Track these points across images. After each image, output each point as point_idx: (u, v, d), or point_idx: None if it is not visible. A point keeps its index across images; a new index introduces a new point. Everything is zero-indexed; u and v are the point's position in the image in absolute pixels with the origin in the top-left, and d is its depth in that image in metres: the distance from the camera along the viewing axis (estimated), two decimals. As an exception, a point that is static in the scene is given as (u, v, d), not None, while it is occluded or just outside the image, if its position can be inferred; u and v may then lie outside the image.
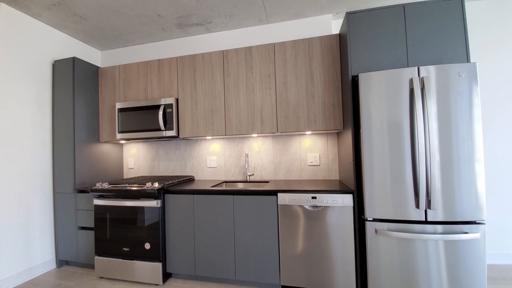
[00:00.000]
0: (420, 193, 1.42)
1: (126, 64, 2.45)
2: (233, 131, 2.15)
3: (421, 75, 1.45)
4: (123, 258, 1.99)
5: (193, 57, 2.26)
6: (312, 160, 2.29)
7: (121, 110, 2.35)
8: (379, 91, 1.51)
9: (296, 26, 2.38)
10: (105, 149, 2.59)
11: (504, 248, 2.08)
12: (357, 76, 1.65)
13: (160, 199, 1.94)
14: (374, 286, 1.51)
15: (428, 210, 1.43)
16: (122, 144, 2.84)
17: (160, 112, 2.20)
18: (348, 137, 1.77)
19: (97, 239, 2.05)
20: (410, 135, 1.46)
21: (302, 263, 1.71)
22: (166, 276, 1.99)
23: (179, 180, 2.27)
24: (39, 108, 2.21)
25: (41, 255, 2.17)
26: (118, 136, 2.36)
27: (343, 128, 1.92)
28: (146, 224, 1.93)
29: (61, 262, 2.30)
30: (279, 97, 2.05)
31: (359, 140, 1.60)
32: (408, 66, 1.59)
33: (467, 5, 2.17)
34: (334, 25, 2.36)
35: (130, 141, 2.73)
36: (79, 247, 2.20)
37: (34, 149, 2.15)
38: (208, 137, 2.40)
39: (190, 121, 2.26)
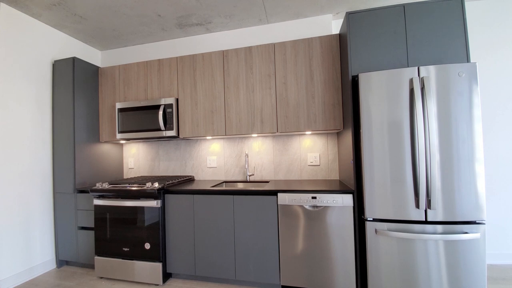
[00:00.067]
0: (420, 193, 1.42)
1: (126, 64, 2.45)
2: (233, 131, 2.15)
3: (421, 75, 1.45)
4: (123, 258, 1.99)
5: (193, 57, 2.26)
6: (312, 160, 2.29)
7: (121, 110, 2.35)
8: (379, 91, 1.51)
9: (296, 26, 2.38)
10: (105, 149, 2.59)
11: (504, 248, 2.08)
12: (357, 76, 1.65)
13: (160, 199, 1.94)
14: (374, 286, 1.51)
15: (428, 210, 1.43)
16: (122, 144, 2.84)
17: (160, 112, 2.20)
18: (348, 137, 1.77)
19: (97, 239, 2.05)
20: (410, 135, 1.46)
21: (302, 263, 1.71)
22: (166, 276, 1.99)
23: (179, 180, 2.27)
24: (39, 108, 2.21)
25: (41, 255, 2.17)
26: (118, 136, 2.36)
27: (343, 128, 1.92)
28: (146, 224, 1.93)
29: (61, 262, 2.30)
30: (279, 97, 2.05)
31: (359, 140, 1.60)
32: (408, 66, 1.59)
33: (467, 5, 2.17)
34: (334, 25, 2.36)
35: (130, 141, 2.73)
36: (79, 247, 2.20)
37: (34, 149, 2.15)
38: (208, 137, 2.40)
39: (190, 121, 2.26)
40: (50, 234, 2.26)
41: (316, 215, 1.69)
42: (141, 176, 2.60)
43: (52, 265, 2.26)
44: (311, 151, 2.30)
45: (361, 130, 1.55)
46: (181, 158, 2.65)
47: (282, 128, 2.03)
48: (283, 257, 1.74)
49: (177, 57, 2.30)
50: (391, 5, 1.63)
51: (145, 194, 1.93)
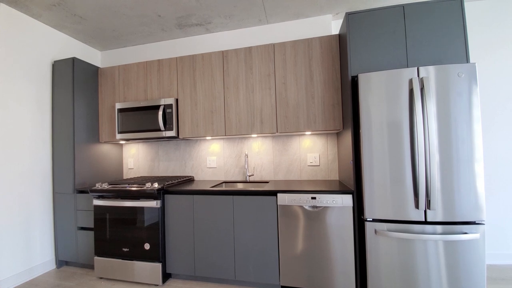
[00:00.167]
0: (420, 193, 1.43)
1: (126, 65, 2.45)
2: (233, 131, 2.15)
3: (421, 76, 1.45)
4: (122, 259, 1.99)
5: (192, 58, 2.26)
6: (312, 160, 2.29)
7: (120, 110, 2.35)
8: (378, 92, 1.51)
9: (296, 27, 2.38)
10: (105, 150, 2.59)
11: (504, 248, 2.08)
12: (356, 76, 1.65)
13: (160, 199, 1.94)
14: (374, 287, 1.51)
15: (428, 211, 1.43)
16: (121, 145, 2.84)
17: (160, 113, 2.20)
18: (347, 138, 1.77)
19: (96, 240, 2.05)
20: (410, 135, 1.46)
21: (301, 263, 1.71)
22: (166, 276, 1.99)
23: (179, 180, 2.27)
24: (39, 108, 2.21)
25: (40, 255, 2.17)
26: (118, 136, 2.36)
27: (343, 128, 1.92)
28: (145, 224, 1.93)
29: (60, 263, 2.30)
30: (279, 97, 2.05)
31: (358, 140, 1.60)
32: (407, 67, 1.59)
33: (467, 5, 2.17)
34: (334, 26, 2.36)
35: (130, 142, 2.73)
36: (78, 247, 2.20)
37: (34, 149, 2.15)
38: (207, 138, 2.40)
39: (190, 121, 2.26)
40: (50, 234, 2.26)
41: (316, 215, 1.69)
42: (141, 177, 2.60)
43: (52, 266, 2.26)
44: (311, 152, 2.30)
45: (360, 131, 1.55)
46: (181, 159, 2.65)
47: (282, 129, 2.04)
48: (282, 258, 1.74)
49: (176, 58, 2.30)
50: (391, 6, 1.63)
51: (144, 194, 1.93)
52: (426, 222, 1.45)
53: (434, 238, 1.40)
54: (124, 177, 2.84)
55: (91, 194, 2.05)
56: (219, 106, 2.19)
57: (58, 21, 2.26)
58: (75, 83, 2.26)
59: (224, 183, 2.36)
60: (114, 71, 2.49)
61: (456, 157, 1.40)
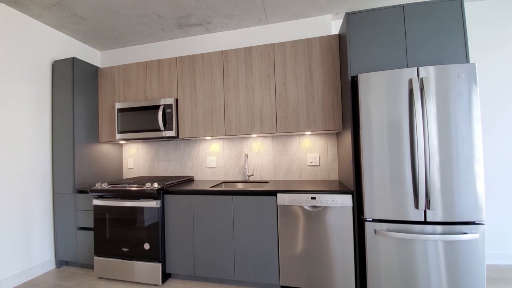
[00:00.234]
0: (420, 193, 1.42)
1: (125, 65, 2.45)
2: (233, 131, 2.15)
3: (421, 76, 1.45)
4: (122, 259, 1.99)
5: (192, 58, 2.26)
6: (312, 161, 2.29)
7: (120, 110, 2.35)
8: (378, 92, 1.51)
9: (296, 27, 2.38)
10: (105, 149, 2.59)
11: (503, 248, 2.08)
12: (356, 76, 1.65)
13: (160, 199, 1.94)
14: (374, 287, 1.51)
15: (428, 211, 1.43)
16: (121, 145, 2.84)
17: (160, 113, 2.20)
18: (347, 138, 1.77)
19: (96, 240, 2.05)
20: (410, 135, 1.46)
21: (301, 263, 1.71)
22: (166, 276, 1.99)
23: (179, 180, 2.27)
24: (39, 108, 2.21)
25: (40, 255, 2.17)
26: (118, 136, 2.36)
27: (343, 128, 1.92)
28: (145, 224, 1.93)
29: (60, 263, 2.30)
30: (279, 97, 2.05)
31: (358, 140, 1.60)
32: (407, 67, 1.59)
33: (467, 5, 2.17)
34: (333, 26, 2.36)
35: (130, 142, 2.73)
36: (78, 247, 2.20)
37: (34, 149, 2.15)
38: (207, 138, 2.40)
39: (190, 121, 2.26)
40: (50, 234, 2.26)
41: (316, 215, 1.69)
42: (141, 177, 2.60)
43: (52, 266, 2.26)
44: (311, 152, 2.30)
45: (360, 131, 1.55)
46: (181, 159, 2.65)
47: (282, 129, 2.03)
48: (282, 258, 1.74)
49: (176, 58, 2.30)
50: (391, 6, 1.63)
51: (144, 194, 1.93)
52: (425, 222, 1.45)
53: (434, 238, 1.40)
54: (124, 177, 2.84)
55: (91, 194, 2.05)
56: (219, 106, 2.19)
57: (58, 21, 2.26)
58: (75, 83, 2.26)
59: (224, 183, 2.36)
60: (114, 71, 2.49)
61: (456, 157, 1.40)
